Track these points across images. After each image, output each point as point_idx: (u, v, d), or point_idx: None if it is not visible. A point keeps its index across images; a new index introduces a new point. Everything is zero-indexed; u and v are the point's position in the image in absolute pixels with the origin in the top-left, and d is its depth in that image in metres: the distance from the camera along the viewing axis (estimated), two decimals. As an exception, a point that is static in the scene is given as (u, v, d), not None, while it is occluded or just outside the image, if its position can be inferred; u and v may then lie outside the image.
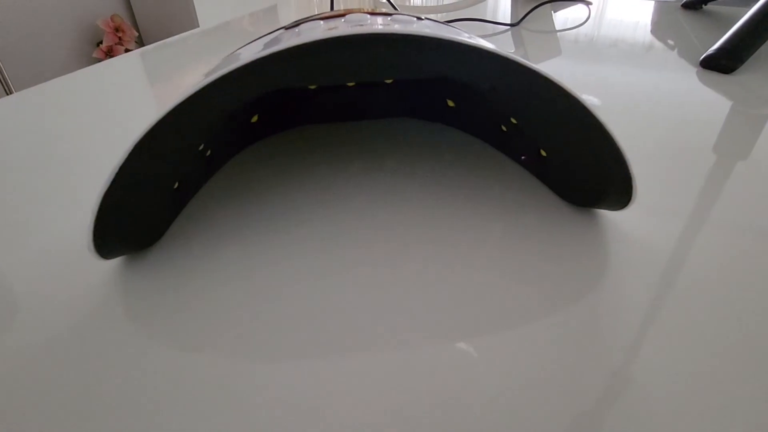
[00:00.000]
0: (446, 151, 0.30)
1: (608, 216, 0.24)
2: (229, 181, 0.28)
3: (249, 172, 0.29)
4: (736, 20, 0.45)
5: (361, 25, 0.18)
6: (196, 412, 0.16)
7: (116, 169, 0.18)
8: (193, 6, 1.67)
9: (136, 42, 1.72)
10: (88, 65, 0.49)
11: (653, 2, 0.68)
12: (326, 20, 0.21)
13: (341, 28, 0.18)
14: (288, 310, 0.19)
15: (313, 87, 0.32)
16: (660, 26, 0.57)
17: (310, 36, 0.17)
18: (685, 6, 0.64)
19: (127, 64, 0.49)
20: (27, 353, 0.18)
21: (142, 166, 0.19)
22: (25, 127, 0.35)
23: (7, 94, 0.41)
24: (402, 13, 0.22)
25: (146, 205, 0.21)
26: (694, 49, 0.48)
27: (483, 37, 0.53)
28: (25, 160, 0.31)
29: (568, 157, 0.23)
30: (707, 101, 0.37)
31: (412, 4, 0.76)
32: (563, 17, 0.62)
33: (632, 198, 0.21)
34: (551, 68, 0.45)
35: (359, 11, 0.21)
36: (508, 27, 0.58)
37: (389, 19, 0.20)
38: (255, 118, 0.30)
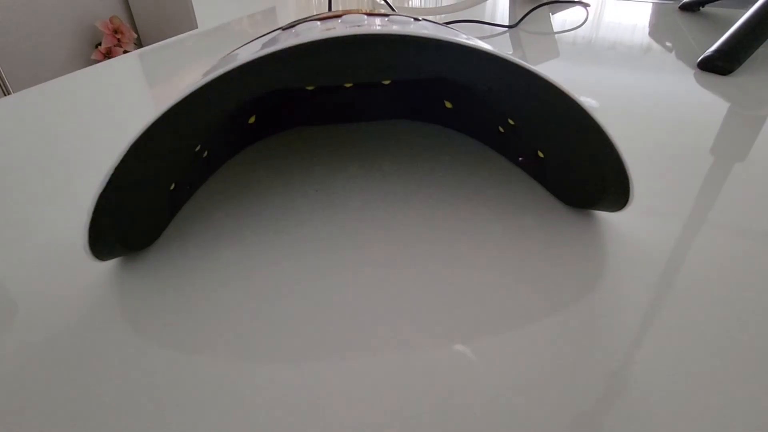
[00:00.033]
0: (444, 152, 0.30)
1: (606, 217, 0.24)
2: (226, 182, 0.28)
3: (246, 173, 0.29)
4: (733, 22, 0.45)
5: (359, 25, 0.18)
6: (194, 413, 0.16)
7: (112, 170, 0.18)
8: (192, 8, 1.68)
9: (134, 44, 1.72)
10: (87, 67, 0.49)
11: (651, 4, 0.68)
12: (323, 21, 0.21)
13: (338, 28, 0.18)
14: (286, 310, 0.19)
15: (310, 88, 0.32)
16: (658, 28, 0.57)
17: (307, 36, 0.17)
18: (682, 8, 0.64)
19: (126, 65, 0.49)
20: (24, 353, 0.18)
21: (139, 167, 0.19)
22: (23, 128, 0.35)
23: (5, 95, 0.41)
24: (399, 14, 0.22)
25: (142, 206, 0.21)
26: (692, 50, 0.49)
27: (481, 38, 0.53)
28: (23, 160, 0.31)
29: (565, 158, 0.23)
30: (705, 103, 0.37)
31: (410, 5, 0.76)
32: (561, 19, 0.62)
33: (630, 199, 0.21)
34: (549, 70, 0.45)
35: (357, 12, 0.21)
36: (506, 28, 0.58)
37: (387, 20, 0.20)
38: (252, 119, 0.30)
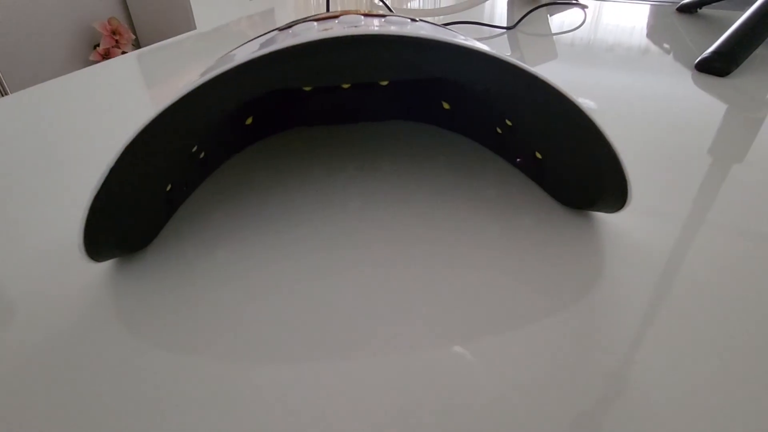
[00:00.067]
0: (442, 153, 0.30)
1: (604, 218, 0.24)
2: (223, 183, 0.28)
3: (243, 174, 0.28)
4: (730, 24, 0.45)
5: (356, 26, 0.18)
6: (192, 414, 0.15)
7: (107, 171, 0.18)
8: (191, 9, 1.68)
9: (132, 45, 1.72)
10: (85, 68, 0.49)
11: (649, 6, 0.68)
12: (321, 21, 0.20)
13: (335, 29, 0.18)
14: (285, 311, 0.19)
15: (308, 89, 0.32)
16: (656, 30, 0.57)
17: (304, 37, 0.17)
18: (680, 10, 0.64)
19: (124, 65, 0.49)
20: (20, 354, 0.18)
21: (134, 167, 0.19)
22: (20, 128, 0.35)
23: (3, 96, 0.41)
24: (397, 14, 0.22)
25: (139, 206, 0.21)
26: (690, 52, 0.49)
27: (479, 39, 0.53)
28: (20, 161, 0.31)
29: (563, 159, 0.23)
30: (702, 104, 0.37)
31: (409, 7, 0.76)
32: (559, 21, 0.62)
33: (628, 200, 0.21)
34: (547, 72, 0.45)
35: (354, 13, 0.21)
36: (505, 30, 0.58)
37: (384, 20, 0.20)
38: (249, 120, 0.30)
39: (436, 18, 0.65)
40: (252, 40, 0.23)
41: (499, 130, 0.28)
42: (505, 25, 0.60)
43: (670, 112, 0.35)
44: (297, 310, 0.19)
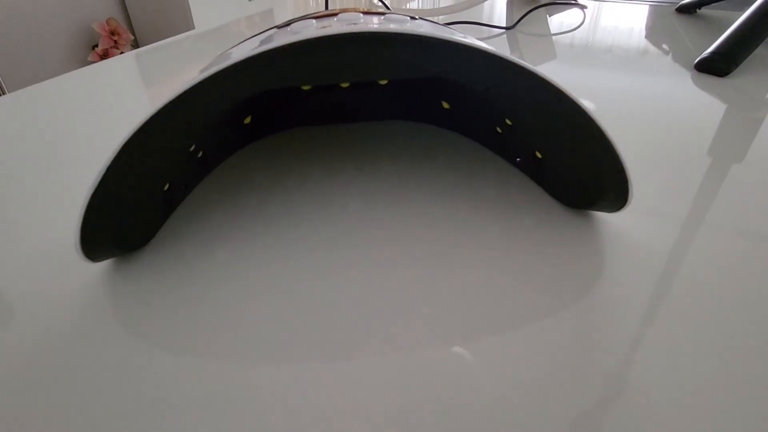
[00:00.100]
0: (441, 153, 0.30)
1: (604, 218, 0.24)
2: (221, 183, 0.27)
3: (242, 174, 0.28)
4: (729, 24, 0.45)
5: (354, 23, 0.18)
6: (191, 415, 0.15)
7: (104, 170, 0.18)
8: (189, 10, 1.67)
9: (131, 45, 1.72)
10: (83, 67, 0.49)
11: (648, 6, 0.68)
12: (319, 19, 0.20)
13: (334, 26, 0.17)
14: (284, 311, 0.19)
15: (306, 88, 0.31)
16: (655, 30, 0.57)
17: (303, 34, 0.17)
18: (679, 10, 0.64)
19: (122, 65, 0.49)
20: (18, 355, 0.17)
21: (132, 166, 0.19)
22: (18, 128, 0.35)
23: (1, 96, 0.41)
24: (396, 12, 0.22)
25: (136, 206, 0.20)
26: (689, 52, 0.49)
27: (478, 40, 0.53)
28: (18, 160, 0.31)
29: (563, 158, 0.23)
30: (702, 104, 0.37)
31: (408, 7, 0.76)
32: (558, 21, 0.62)
33: (628, 200, 0.21)
34: (546, 72, 0.45)
35: (353, 10, 0.21)
36: (504, 30, 0.58)
37: (383, 18, 0.20)
38: (248, 120, 0.30)
39: (436, 18, 0.65)
40: (250, 38, 0.23)
41: (499, 130, 0.28)
42: (504, 25, 0.60)
43: (669, 112, 0.35)
44: (297, 310, 0.19)
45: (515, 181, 0.27)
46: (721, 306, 0.19)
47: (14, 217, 0.25)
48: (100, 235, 0.19)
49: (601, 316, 0.19)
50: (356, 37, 0.17)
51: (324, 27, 0.18)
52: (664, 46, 0.51)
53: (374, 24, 0.18)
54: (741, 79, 0.41)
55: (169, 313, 0.19)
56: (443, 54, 0.18)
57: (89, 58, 1.64)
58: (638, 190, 0.26)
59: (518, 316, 0.19)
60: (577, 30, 0.58)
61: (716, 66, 0.42)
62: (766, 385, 0.16)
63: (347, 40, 0.17)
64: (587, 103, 0.37)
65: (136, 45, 1.79)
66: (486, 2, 0.72)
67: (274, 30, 0.22)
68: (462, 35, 0.21)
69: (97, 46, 1.62)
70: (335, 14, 0.21)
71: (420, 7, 0.77)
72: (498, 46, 0.52)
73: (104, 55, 1.62)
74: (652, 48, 0.50)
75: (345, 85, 0.32)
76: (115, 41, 1.64)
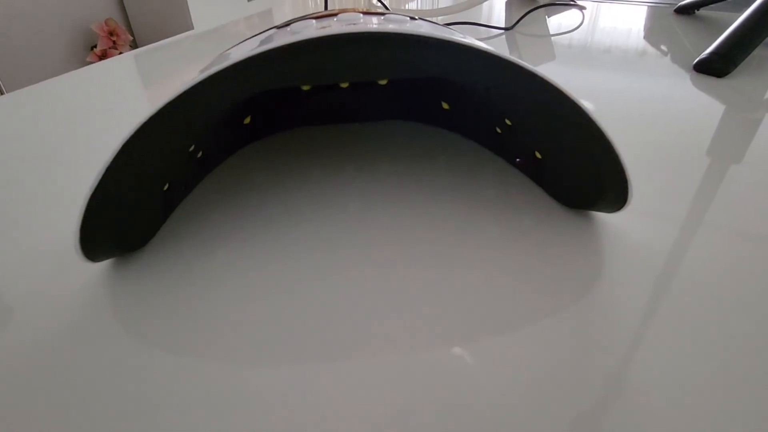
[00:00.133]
0: (441, 153, 0.30)
1: (604, 218, 0.24)
2: (221, 183, 0.27)
3: (242, 174, 0.28)
4: (728, 25, 0.45)
5: (354, 24, 0.18)
6: (190, 415, 0.15)
7: (103, 170, 0.18)
8: (188, 11, 1.67)
9: (130, 46, 1.71)
10: (82, 67, 0.49)
11: (646, 7, 0.68)
12: (319, 19, 0.20)
13: (334, 26, 0.17)
14: (283, 311, 0.19)
15: (306, 88, 0.31)
16: (653, 31, 0.57)
17: (303, 34, 0.17)
18: (678, 11, 0.64)
19: (121, 65, 0.49)
20: (17, 355, 0.17)
21: (131, 166, 0.18)
22: (17, 128, 0.35)
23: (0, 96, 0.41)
24: (396, 12, 0.22)
25: (135, 206, 0.20)
26: (688, 53, 0.49)
27: (477, 40, 0.53)
28: (17, 161, 0.30)
29: (563, 159, 0.23)
30: (701, 105, 0.37)
31: (407, 7, 0.76)
32: (557, 22, 0.62)
33: (628, 201, 0.21)
34: (545, 72, 0.45)
35: (353, 11, 0.21)
36: (503, 31, 0.58)
37: (383, 18, 0.20)
38: (248, 120, 0.30)
39: (435, 18, 0.65)
40: (250, 38, 0.23)
41: (498, 130, 0.28)
42: (503, 25, 0.60)
43: (668, 113, 0.35)
44: (296, 310, 0.19)
45: (515, 182, 0.27)
46: (721, 306, 0.19)
47: (14, 217, 0.25)
48: (99, 235, 0.19)
49: (600, 316, 0.19)
50: (356, 37, 0.17)
51: (324, 27, 0.18)
52: (663, 47, 0.51)
53: (374, 24, 0.18)
54: (739, 80, 0.41)
55: (169, 313, 0.19)
56: (443, 54, 0.18)
57: (88, 59, 1.64)
58: (637, 190, 0.26)
59: (518, 316, 0.19)
60: (575, 31, 0.58)
61: (715, 67, 0.42)
62: (766, 385, 0.16)
63: (347, 41, 0.17)
64: (587, 104, 0.38)
65: (134, 45, 1.79)
66: (485, 3, 0.72)
67: (274, 30, 0.22)
68: (461, 35, 0.21)
69: (95, 46, 1.62)
70: (335, 14, 0.21)
71: (419, 8, 0.77)
72: (497, 46, 0.52)
73: (103, 56, 1.62)
74: (650, 49, 0.51)
75: (345, 85, 0.32)
76: (114, 42, 1.64)
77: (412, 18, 0.22)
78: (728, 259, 0.21)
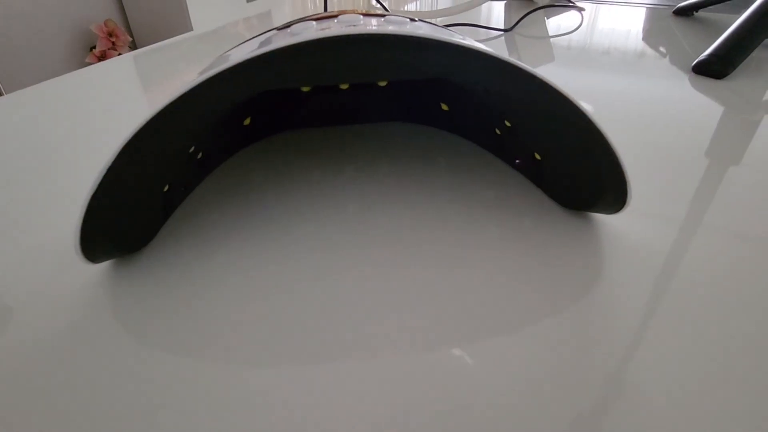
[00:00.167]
0: (440, 154, 0.30)
1: (603, 219, 0.24)
2: (221, 184, 0.27)
3: (242, 175, 0.28)
4: (727, 27, 0.45)
5: (354, 25, 0.18)
6: (189, 416, 0.15)
7: (104, 171, 0.18)
8: (188, 12, 1.67)
9: (129, 47, 1.71)
10: (81, 68, 0.49)
11: (645, 9, 0.68)
12: (319, 21, 0.20)
13: (334, 28, 0.17)
14: (283, 312, 0.19)
15: (306, 89, 0.31)
16: (652, 33, 0.57)
17: (303, 36, 0.17)
18: (676, 13, 0.64)
19: (120, 66, 0.49)
20: (17, 356, 0.17)
21: (131, 167, 0.19)
22: (16, 129, 0.35)
23: (-3, 97, 0.41)
24: (396, 14, 0.22)
25: (135, 207, 0.20)
26: (686, 55, 0.49)
27: (477, 41, 0.53)
28: (17, 162, 0.30)
29: (562, 160, 0.23)
30: (699, 106, 0.37)
31: (406, 9, 0.76)
32: (556, 23, 0.62)
33: (627, 202, 0.21)
34: (545, 74, 0.45)
35: (353, 12, 0.21)
36: (502, 32, 0.58)
37: (382, 20, 0.20)
38: (247, 121, 0.30)
39: (434, 20, 0.65)
40: (250, 39, 0.23)
41: (498, 132, 0.28)
42: (502, 27, 0.60)
43: (667, 115, 0.36)
44: (296, 310, 0.19)
45: (514, 183, 0.27)
46: (720, 306, 0.19)
47: (14, 218, 0.25)
48: (99, 236, 0.19)
49: (600, 316, 0.19)
50: (356, 38, 0.17)
51: (324, 29, 0.18)
52: (662, 49, 0.51)
53: (374, 26, 0.18)
54: (738, 82, 0.41)
55: (169, 314, 0.19)
56: (442, 56, 0.18)
57: (87, 60, 1.64)
58: (636, 191, 0.26)
59: (518, 317, 0.19)
60: (574, 32, 0.58)
61: (713, 68, 0.42)
62: (766, 385, 0.16)
63: (347, 42, 0.17)
64: (586, 105, 0.38)
65: (134, 47, 1.79)
66: (484, 4, 0.73)
67: (274, 32, 0.22)
68: (461, 37, 0.21)
69: (94, 47, 1.62)
70: (335, 16, 0.21)
71: (418, 9, 0.77)
72: (496, 48, 0.52)
73: (102, 57, 1.62)
74: (649, 50, 0.51)
75: (344, 86, 0.32)
76: (113, 43, 1.64)
77: (412, 20, 0.22)
78: (727, 259, 0.21)
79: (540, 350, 0.17)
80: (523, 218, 0.24)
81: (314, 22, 0.20)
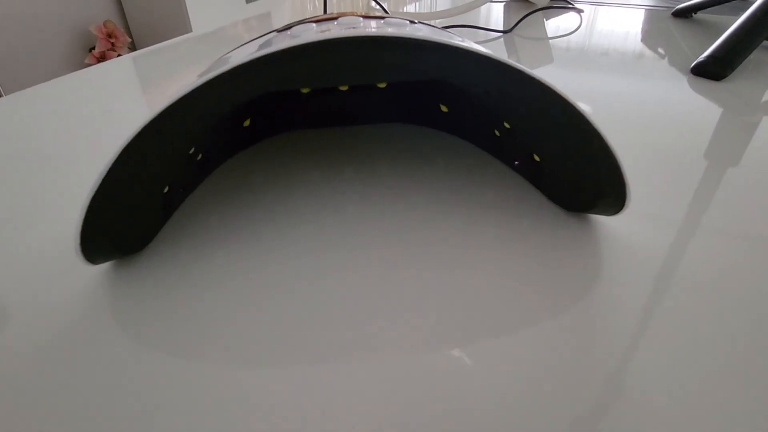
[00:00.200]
0: (440, 156, 0.30)
1: (602, 221, 0.24)
2: (220, 186, 0.28)
3: (241, 176, 0.28)
4: (725, 28, 0.45)
5: (354, 27, 0.18)
6: (191, 416, 0.15)
7: (104, 173, 0.18)
8: (187, 13, 1.68)
9: (128, 48, 1.71)
10: (80, 69, 0.49)
11: (644, 10, 0.69)
12: (319, 23, 0.20)
13: (334, 30, 0.17)
14: (282, 313, 0.19)
15: (305, 91, 0.31)
16: (651, 34, 0.57)
17: (303, 38, 0.17)
18: (675, 14, 0.64)
19: (119, 68, 0.49)
20: (16, 357, 0.17)
21: (131, 169, 0.19)
22: (15, 131, 0.35)
23: (-4, 98, 0.41)
24: (395, 16, 0.22)
25: (135, 209, 0.20)
26: (685, 56, 0.49)
27: (476, 43, 0.53)
28: (16, 162, 0.30)
29: (561, 161, 0.23)
30: (698, 108, 0.37)
31: (405, 11, 0.77)
32: (555, 25, 0.62)
33: (626, 203, 0.21)
34: (543, 75, 0.45)
35: (352, 14, 0.21)
36: (501, 34, 0.58)
37: (382, 22, 0.20)
38: (247, 122, 0.30)
39: (433, 21, 0.65)
40: (250, 41, 0.23)
41: (497, 133, 0.28)
42: (501, 29, 0.60)
43: (665, 116, 0.36)
44: (296, 311, 0.19)
45: (513, 185, 0.27)
46: (719, 307, 0.19)
47: (13, 220, 0.25)
48: (99, 237, 0.19)
49: (599, 317, 0.19)
50: (356, 40, 0.17)
51: (324, 31, 0.18)
52: (660, 50, 0.51)
53: (374, 28, 0.18)
54: (736, 83, 0.41)
55: (169, 315, 0.19)
56: (441, 57, 0.18)
57: (86, 61, 1.64)
58: (635, 193, 0.26)
59: (517, 318, 0.19)
60: (573, 34, 0.58)
61: (712, 70, 0.42)
62: (766, 385, 0.16)
63: (347, 44, 0.17)
64: (584, 107, 0.38)
65: (133, 48, 1.79)
66: (483, 6, 0.73)
67: (274, 34, 0.22)
68: (460, 39, 0.21)
69: (94, 48, 1.62)
70: (335, 18, 0.21)
71: (417, 11, 0.77)
72: (495, 49, 0.52)
73: (101, 58, 1.62)
74: (648, 52, 0.51)
75: (344, 88, 0.32)
76: (113, 44, 1.64)
77: (411, 22, 0.22)
78: (725, 260, 0.21)
79: (540, 350, 0.17)
80: (522, 219, 0.24)
81: (314, 24, 0.20)
